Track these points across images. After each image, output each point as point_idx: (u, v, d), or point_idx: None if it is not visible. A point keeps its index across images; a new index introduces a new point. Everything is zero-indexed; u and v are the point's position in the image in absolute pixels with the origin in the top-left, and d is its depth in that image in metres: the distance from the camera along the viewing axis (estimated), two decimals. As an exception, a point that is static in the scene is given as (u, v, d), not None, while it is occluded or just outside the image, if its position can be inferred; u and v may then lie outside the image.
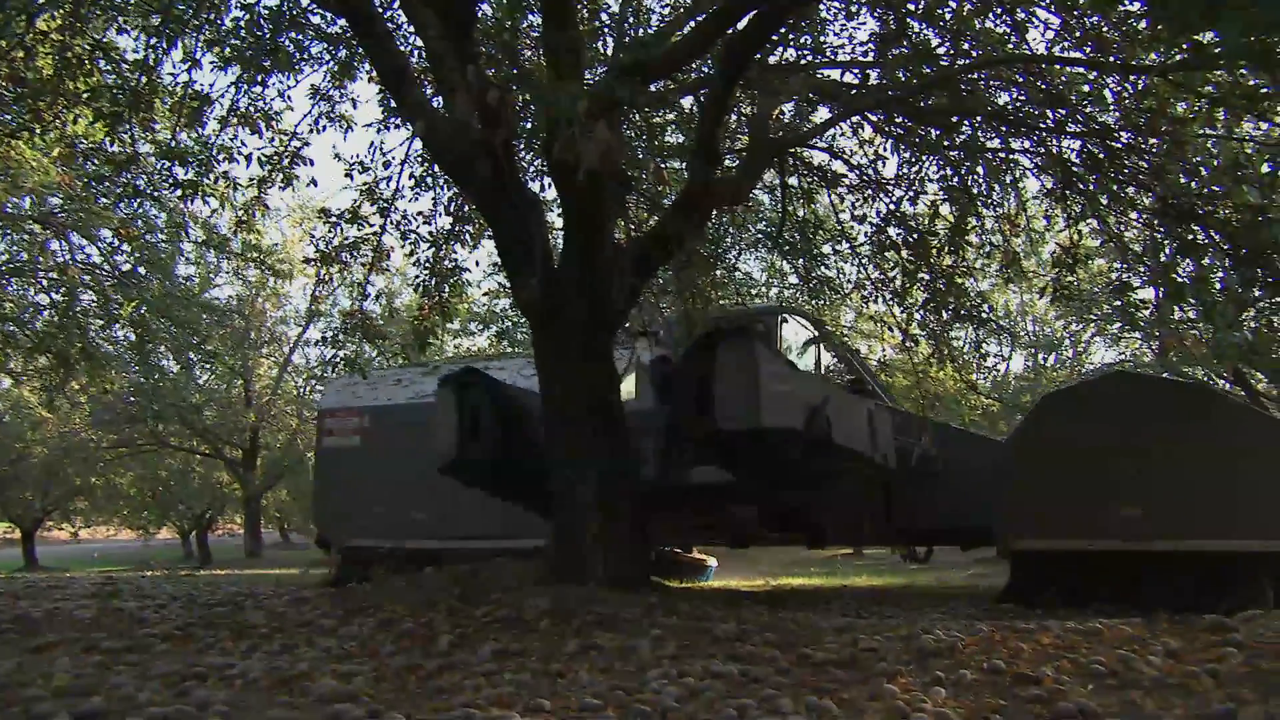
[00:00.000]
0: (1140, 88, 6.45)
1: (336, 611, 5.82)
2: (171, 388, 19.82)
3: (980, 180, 7.86)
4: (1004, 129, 7.46)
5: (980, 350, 9.40)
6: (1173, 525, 6.34)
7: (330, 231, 7.72)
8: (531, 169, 8.25)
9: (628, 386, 7.63)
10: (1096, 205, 7.48)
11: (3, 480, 22.37)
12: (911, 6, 6.83)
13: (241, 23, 6.97)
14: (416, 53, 7.66)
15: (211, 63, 7.09)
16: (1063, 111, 6.88)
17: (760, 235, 9.77)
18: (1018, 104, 7.27)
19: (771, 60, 7.62)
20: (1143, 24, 5.52)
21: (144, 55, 6.99)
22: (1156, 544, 6.35)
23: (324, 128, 7.81)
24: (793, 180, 8.66)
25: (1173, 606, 5.30)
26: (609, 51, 7.61)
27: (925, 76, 6.84)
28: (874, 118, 7.86)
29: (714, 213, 8.08)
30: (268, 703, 3.50)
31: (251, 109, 7.23)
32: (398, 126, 8.13)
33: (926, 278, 7.90)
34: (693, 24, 6.64)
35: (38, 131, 7.61)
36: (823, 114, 8.29)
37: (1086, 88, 6.91)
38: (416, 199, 8.53)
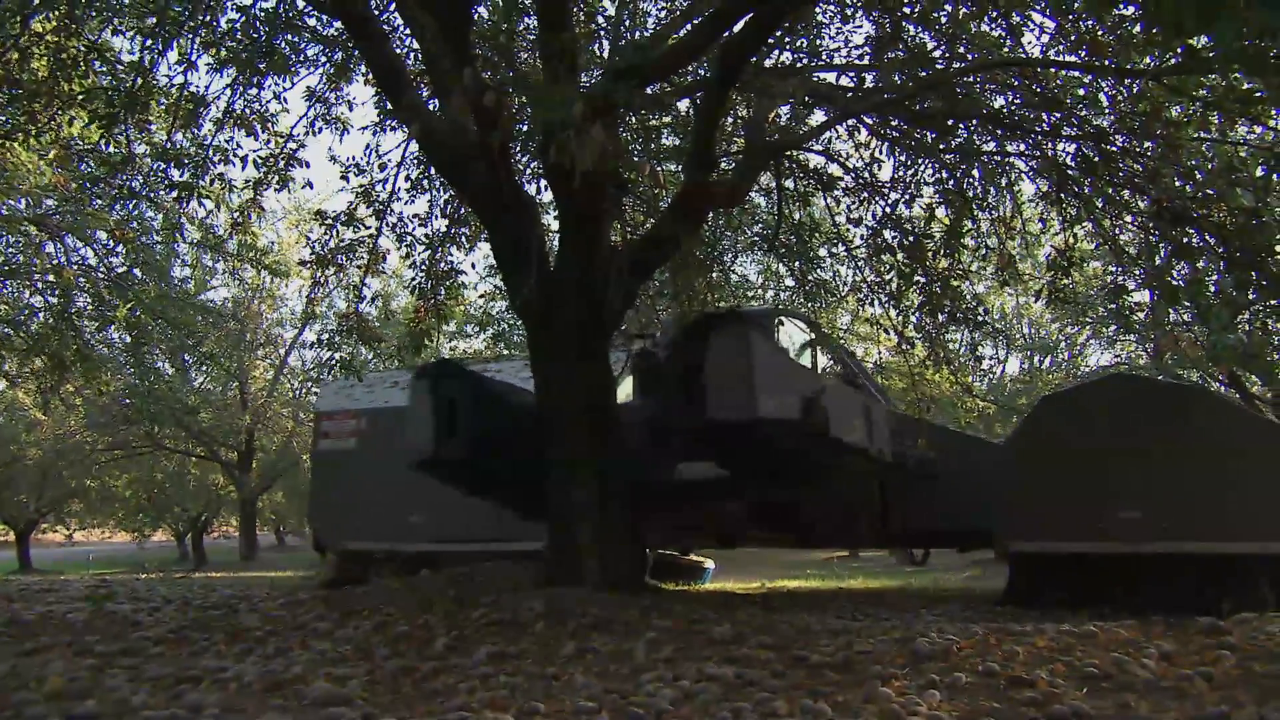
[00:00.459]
0: (1135, 91, 6.48)
1: (331, 614, 5.81)
2: (167, 390, 19.78)
3: (976, 183, 7.88)
4: (999, 132, 7.48)
5: (976, 353, 9.39)
6: (1170, 527, 6.35)
7: (326, 234, 7.73)
8: (528, 171, 8.26)
9: (624, 389, 7.61)
10: (1092, 208, 7.51)
11: (-2, 482, 22.35)
12: (907, 10, 6.85)
13: (237, 25, 6.98)
14: (413, 55, 7.67)
15: (207, 65, 7.10)
16: (1058, 115, 6.90)
17: (756, 238, 9.78)
18: (1013, 107, 7.29)
19: (767, 63, 7.64)
20: (1137, 28, 5.53)
21: (139, 57, 6.99)
22: (1154, 546, 6.36)
23: (320, 130, 7.81)
24: (789, 183, 8.68)
25: (1170, 609, 5.31)
26: (605, 54, 7.62)
27: (921, 80, 6.86)
28: (870, 121, 7.88)
29: (710, 215, 8.09)
30: (262, 706, 3.48)
31: (247, 111, 7.23)
32: (394, 129, 8.15)
33: (922, 280, 7.91)
34: (689, 27, 6.65)
35: (33, 133, 7.60)
36: (818, 117, 8.31)
37: (1081, 91, 6.93)
38: (412, 201, 8.55)
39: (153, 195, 8.77)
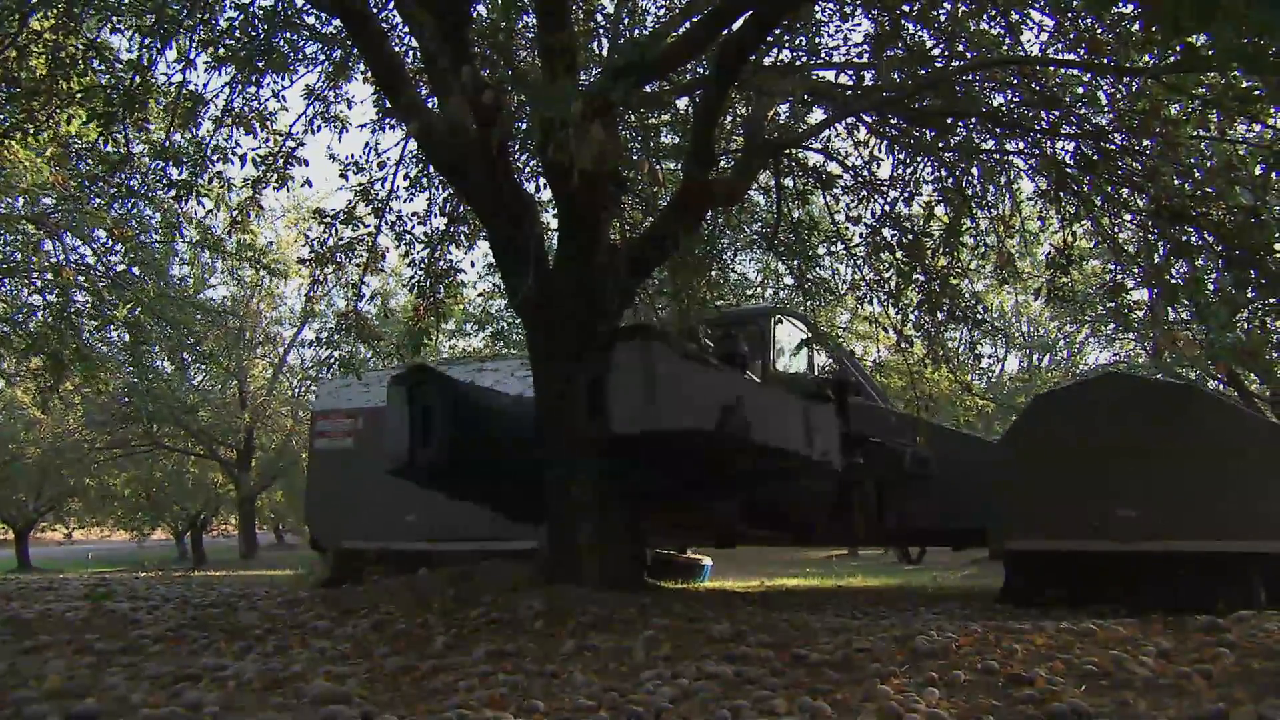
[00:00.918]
0: (1133, 90, 6.48)
1: (330, 613, 5.82)
2: (166, 388, 19.79)
3: (975, 182, 7.88)
4: (998, 131, 7.47)
5: (975, 351, 9.40)
6: (1167, 526, 6.36)
7: (325, 232, 7.73)
8: (526, 170, 8.26)
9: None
10: (1091, 207, 7.51)
11: (-3, 481, 22.34)
12: (906, 8, 6.85)
13: (236, 23, 6.97)
14: (411, 53, 7.66)
15: (206, 63, 7.08)
16: (1057, 113, 6.90)
17: (755, 236, 9.78)
18: (1012, 105, 7.29)
19: (766, 62, 7.63)
20: (1135, 26, 5.54)
21: (137, 55, 6.99)
22: (1151, 545, 6.37)
23: (319, 128, 7.80)
24: (787, 181, 8.67)
25: (1168, 607, 5.32)
26: (604, 53, 7.62)
27: (920, 78, 6.85)
28: (869, 119, 7.88)
29: (709, 214, 8.09)
30: (261, 704, 3.49)
31: (246, 110, 7.23)
32: (393, 127, 8.14)
33: (921, 279, 7.91)
34: (688, 25, 6.64)
35: (31, 131, 7.59)
36: (817, 115, 8.30)
37: (1080, 90, 6.93)
38: (411, 199, 8.54)
39: (151, 194, 8.77)
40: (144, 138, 7.85)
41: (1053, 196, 7.63)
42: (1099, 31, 6.06)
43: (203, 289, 22.07)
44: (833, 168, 8.63)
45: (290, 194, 18.75)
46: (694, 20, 6.43)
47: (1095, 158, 6.97)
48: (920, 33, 7.17)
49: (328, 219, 7.65)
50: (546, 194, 7.87)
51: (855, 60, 7.62)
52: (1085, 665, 3.80)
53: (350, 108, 8.19)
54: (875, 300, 8.48)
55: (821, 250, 9.19)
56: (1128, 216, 7.67)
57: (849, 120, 8.02)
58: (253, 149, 7.27)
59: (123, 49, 7.65)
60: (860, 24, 7.66)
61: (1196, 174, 6.56)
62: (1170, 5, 3.80)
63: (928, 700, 3.37)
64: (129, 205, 9.22)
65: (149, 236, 12.68)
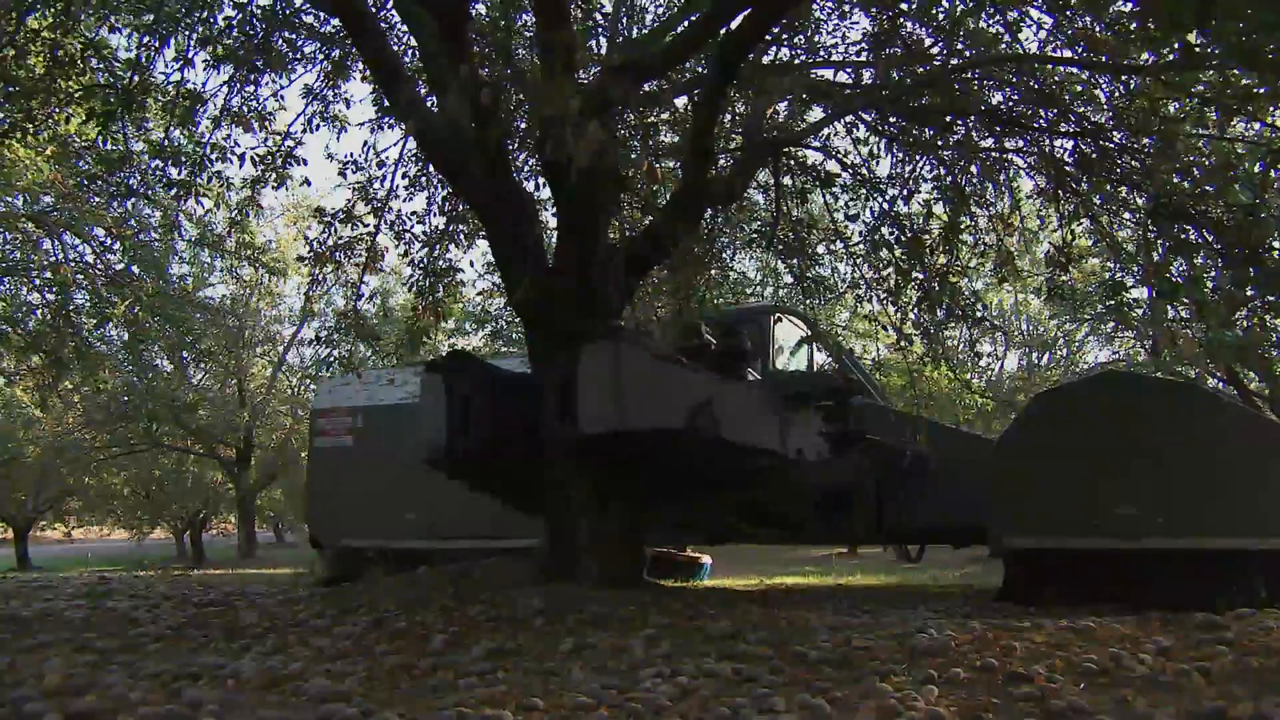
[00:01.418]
0: (1132, 87, 6.48)
1: (329, 611, 5.82)
2: (165, 387, 19.78)
3: (975, 180, 7.88)
4: (997, 128, 7.48)
5: (974, 349, 9.40)
6: (1167, 523, 6.36)
7: (324, 231, 7.73)
8: (526, 168, 8.26)
9: None
10: (1089, 205, 7.51)
11: (-4, 480, 22.33)
12: (905, 6, 6.85)
13: (234, 22, 6.97)
14: (410, 52, 7.66)
15: (205, 61, 7.08)
16: (1055, 111, 6.91)
17: (755, 235, 9.79)
18: (1011, 103, 7.29)
19: (765, 60, 7.63)
20: (1133, 24, 5.54)
21: (136, 54, 6.98)
22: (1151, 542, 6.37)
23: (317, 127, 7.80)
24: (786, 180, 8.67)
25: (1167, 604, 5.32)
26: (603, 51, 7.62)
27: (918, 76, 6.85)
28: (868, 117, 7.88)
29: (708, 212, 8.09)
30: (260, 702, 3.49)
31: (244, 109, 7.23)
32: (391, 126, 8.14)
33: (920, 277, 7.91)
34: (686, 23, 6.65)
35: (30, 131, 7.59)
36: (816, 114, 8.30)
37: (1079, 88, 6.94)
38: (411, 199, 8.54)
39: (150, 192, 8.77)
40: (143, 136, 7.85)
41: (1051, 195, 7.64)
42: (1097, 30, 6.07)
43: (202, 287, 22.04)
44: (832, 166, 8.63)
45: (290, 192, 18.77)
46: (692, 19, 6.44)
47: (1094, 156, 6.97)
48: (919, 30, 7.18)
49: (327, 219, 7.64)
50: (546, 193, 7.88)
51: (854, 59, 7.63)
52: (1084, 663, 3.80)
53: (349, 107, 8.18)
54: (875, 299, 8.49)
55: (821, 249, 9.19)
56: (1126, 215, 7.67)
57: (848, 119, 8.02)
58: (251, 148, 7.27)
59: (121, 47, 7.66)
60: (859, 22, 7.66)
61: (1195, 172, 6.57)
62: (1169, 2, 3.81)
63: (927, 698, 3.37)
64: (128, 204, 9.21)
65: (148, 235, 12.68)
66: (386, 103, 7.52)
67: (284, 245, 21.74)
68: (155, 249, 13.57)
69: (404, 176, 8.20)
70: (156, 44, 6.87)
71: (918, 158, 8.00)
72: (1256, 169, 6.33)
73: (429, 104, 7.04)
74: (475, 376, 6.60)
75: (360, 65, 7.65)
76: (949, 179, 7.82)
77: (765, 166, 8.22)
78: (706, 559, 11.45)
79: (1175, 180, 6.58)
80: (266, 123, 7.37)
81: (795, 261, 8.85)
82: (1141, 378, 8.75)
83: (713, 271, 9.12)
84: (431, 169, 8.00)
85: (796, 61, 7.81)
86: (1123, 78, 6.50)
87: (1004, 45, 6.73)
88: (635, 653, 4.26)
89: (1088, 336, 22.67)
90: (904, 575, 12.95)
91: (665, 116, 8.54)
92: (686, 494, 7.52)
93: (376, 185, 7.85)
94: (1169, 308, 7.68)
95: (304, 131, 7.69)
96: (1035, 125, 7.23)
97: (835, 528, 9.17)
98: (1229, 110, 6.03)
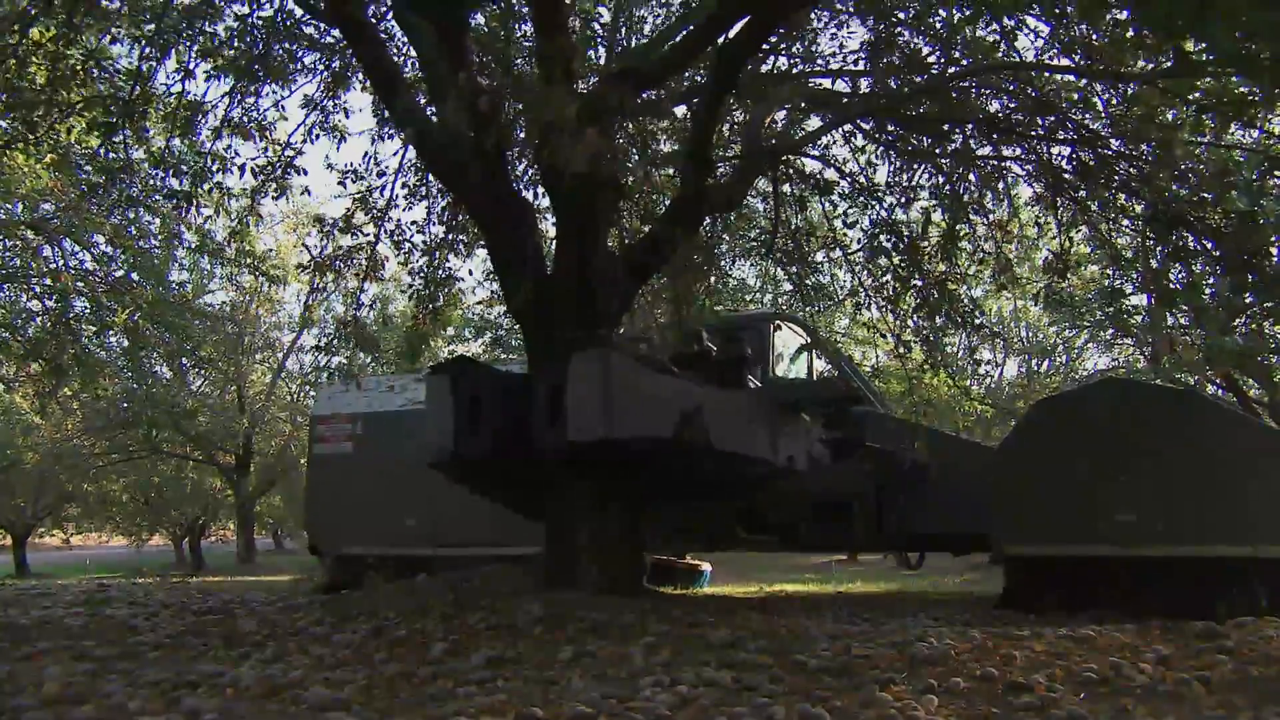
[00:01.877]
0: (1129, 94, 6.49)
1: (329, 619, 5.81)
2: (164, 394, 19.76)
3: (973, 187, 7.90)
4: (994, 136, 7.49)
5: (974, 356, 9.40)
6: (1167, 531, 6.36)
7: (324, 240, 7.74)
8: (525, 177, 8.28)
9: None
10: (1087, 212, 7.52)
11: (-5, 486, 22.29)
12: (901, 15, 6.87)
13: (235, 33, 7.00)
14: (409, 61, 7.68)
15: (206, 73, 7.09)
16: (1052, 119, 6.92)
17: (754, 242, 9.80)
18: (1008, 111, 7.31)
19: (764, 69, 7.66)
20: (1130, 31, 5.55)
21: (137, 65, 7.00)
22: (1151, 550, 6.37)
23: (318, 137, 7.82)
24: (785, 187, 8.69)
25: (1167, 612, 5.32)
26: (601, 60, 7.65)
27: (916, 84, 6.88)
28: (865, 126, 7.90)
29: (707, 219, 8.10)
30: (259, 711, 3.49)
31: (245, 119, 7.25)
32: (390, 136, 8.15)
33: (919, 284, 7.92)
34: (684, 32, 6.67)
35: (31, 142, 7.60)
36: (815, 122, 8.33)
37: (1076, 96, 6.95)
38: (411, 208, 8.57)
39: (151, 201, 8.79)
40: (143, 144, 7.86)
41: (1049, 202, 7.65)
42: (1093, 37, 6.09)
43: (202, 294, 22.04)
44: (830, 174, 8.65)
45: (290, 200, 18.76)
46: (690, 28, 6.46)
47: (1091, 163, 6.98)
48: (916, 41, 7.19)
49: (327, 229, 7.66)
50: (545, 201, 7.90)
51: (851, 67, 7.65)
52: (1084, 672, 3.80)
53: (348, 116, 8.19)
54: (874, 306, 8.50)
55: (820, 256, 9.21)
56: (1125, 222, 7.68)
57: (846, 127, 8.04)
58: (252, 159, 7.29)
59: (122, 56, 7.66)
60: (855, 32, 7.67)
61: (1192, 179, 6.58)
62: (1163, 6, 3.81)
63: (927, 707, 3.36)
64: (128, 212, 9.22)
65: (148, 242, 12.68)
66: (386, 112, 7.54)
67: (284, 252, 21.75)
68: (155, 256, 13.57)
69: (404, 185, 8.22)
70: (158, 55, 6.89)
71: (916, 165, 8.02)
72: (1254, 176, 6.34)
73: (429, 113, 7.06)
74: (481, 379, 6.60)
75: (360, 75, 7.67)
76: (947, 187, 7.83)
77: (764, 174, 8.24)
78: (706, 566, 11.44)
79: (1174, 187, 6.59)
80: (267, 133, 7.39)
81: (794, 269, 8.87)
82: (1141, 385, 8.73)
83: (712, 279, 9.13)
84: (431, 178, 8.02)
85: (794, 70, 7.83)
86: (1118, 85, 6.51)
87: (1001, 54, 6.75)
88: (635, 661, 4.26)
89: (1087, 344, 22.67)
90: (904, 582, 12.92)
91: (664, 125, 8.57)
92: (679, 502, 7.52)
93: (376, 194, 7.86)
94: (1168, 315, 7.70)
95: (304, 141, 7.71)
96: (1033, 133, 7.24)
97: (834, 535, 9.16)
98: (1225, 117, 6.05)
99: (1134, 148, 6.84)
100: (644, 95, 6.77)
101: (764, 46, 6.85)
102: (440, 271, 8.17)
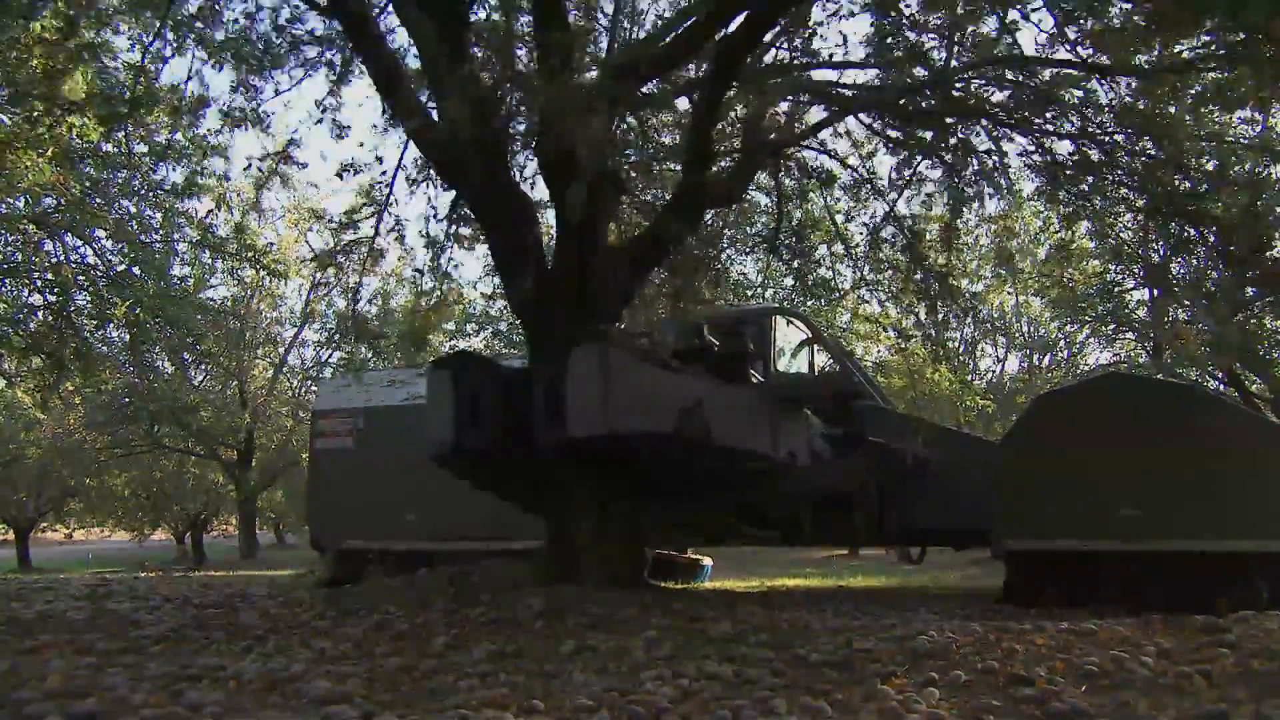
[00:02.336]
0: (1133, 87, 6.46)
1: (330, 613, 5.82)
2: (166, 388, 19.77)
3: (974, 181, 7.87)
4: (996, 130, 7.47)
5: (974, 350, 9.39)
6: (1168, 525, 6.36)
7: (327, 231, 7.74)
8: (526, 170, 8.26)
9: None
10: (1091, 207, 7.50)
11: (-3, 481, 22.33)
12: (904, 9, 6.84)
13: (237, 29, 6.99)
14: (411, 54, 7.65)
15: (203, 59, 7.07)
16: (1054, 111, 6.89)
17: (756, 237, 9.78)
18: (1010, 104, 7.28)
19: (765, 62, 7.63)
20: (1144, 22, 5.53)
21: (140, 57, 7.00)
22: (1152, 544, 6.37)
23: (319, 121, 7.78)
24: (788, 181, 8.67)
25: (1168, 607, 5.32)
26: (602, 53, 7.62)
27: (918, 78, 6.85)
28: (867, 119, 7.87)
29: (708, 213, 8.08)
30: (261, 704, 3.49)
31: (246, 111, 7.24)
32: (391, 128, 8.13)
33: (920, 277, 7.90)
34: (686, 26, 6.65)
35: (32, 135, 7.60)
36: (816, 115, 8.29)
37: (1078, 90, 6.92)
38: (411, 197, 8.55)
39: (153, 194, 8.79)
40: (144, 137, 7.86)
41: (1050, 195, 7.63)
42: (1098, 26, 6.05)
43: (203, 289, 22.01)
44: (833, 167, 8.61)
45: (293, 194, 18.78)
46: (692, 21, 6.44)
47: (1094, 157, 6.96)
48: (921, 38, 7.16)
49: (332, 224, 7.66)
50: (546, 196, 7.87)
51: (852, 60, 7.62)
52: (1086, 665, 3.80)
53: (341, 106, 8.17)
54: (876, 301, 8.48)
55: (822, 250, 9.19)
56: (1127, 217, 7.66)
57: (848, 120, 8.02)
58: (257, 160, 7.28)
59: (123, 52, 7.65)
60: (858, 25, 7.67)
61: (1195, 171, 6.56)
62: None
63: (928, 700, 3.37)
64: (129, 206, 9.23)
65: (149, 236, 12.69)
66: (387, 107, 7.52)
67: (285, 247, 21.74)
68: (157, 250, 13.57)
69: (407, 179, 8.20)
70: (160, 48, 6.88)
71: (917, 158, 7.99)
72: (1260, 170, 6.33)
73: (429, 107, 7.04)
74: (482, 373, 6.61)
75: (362, 69, 7.65)
76: (948, 181, 7.81)
77: (765, 168, 8.21)
78: (707, 561, 11.44)
79: (1176, 179, 6.57)
80: (265, 124, 7.38)
81: (796, 263, 8.85)
82: (1143, 379, 8.73)
83: (713, 272, 9.11)
84: (433, 172, 8.00)
85: (795, 64, 7.80)
86: (1120, 79, 6.48)
87: (1003, 48, 6.71)
88: (636, 655, 4.26)
89: (1089, 338, 22.65)
90: (905, 577, 12.94)
91: (665, 118, 8.54)
92: (680, 496, 7.53)
93: (378, 189, 7.85)
94: (1169, 311, 7.69)
95: (303, 126, 7.70)
96: (1035, 126, 7.22)
97: (836, 529, 9.17)
98: (1231, 104, 6.00)
99: (1138, 140, 6.81)
100: (645, 88, 6.76)
101: (765, 39, 6.82)
102: (441, 265, 8.16)
